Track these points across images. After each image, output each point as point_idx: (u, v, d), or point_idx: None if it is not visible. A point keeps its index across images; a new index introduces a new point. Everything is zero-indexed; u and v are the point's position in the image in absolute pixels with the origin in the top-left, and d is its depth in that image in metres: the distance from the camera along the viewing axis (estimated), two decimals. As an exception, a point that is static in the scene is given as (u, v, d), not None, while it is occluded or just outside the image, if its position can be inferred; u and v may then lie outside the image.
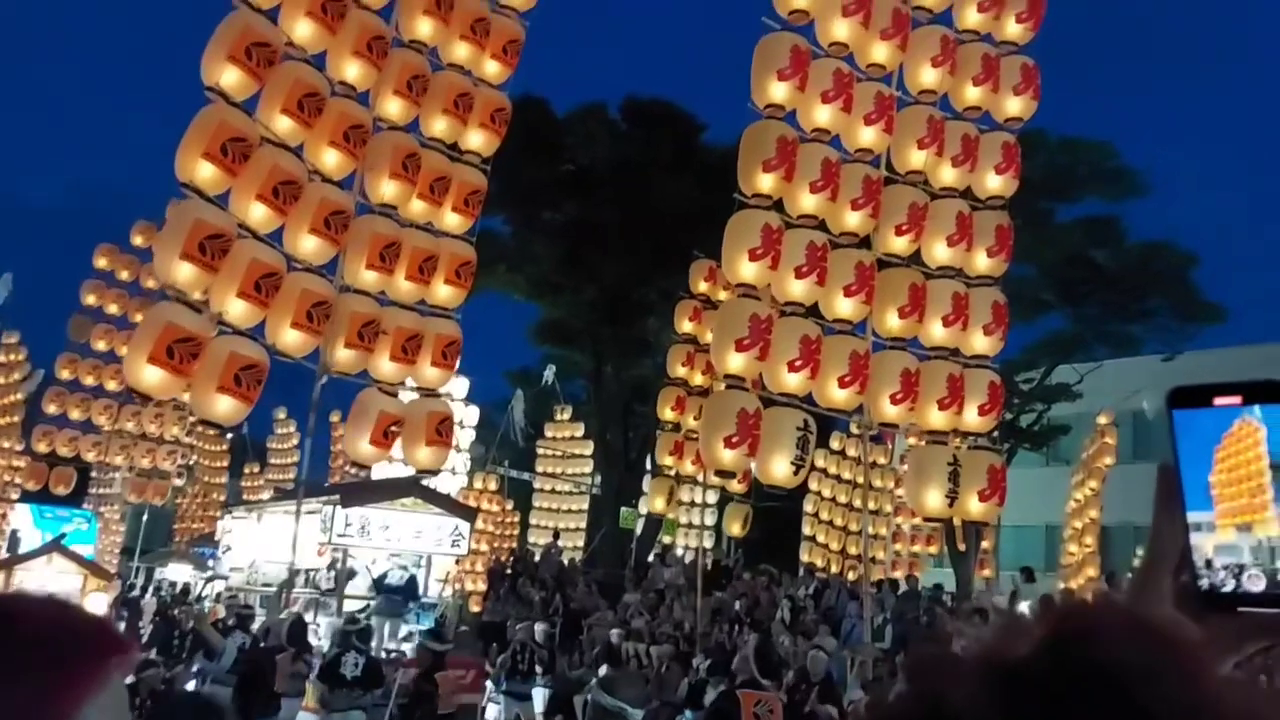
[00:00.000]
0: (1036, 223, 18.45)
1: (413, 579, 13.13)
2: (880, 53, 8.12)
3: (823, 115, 7.90)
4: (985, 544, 20.12)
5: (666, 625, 13.96)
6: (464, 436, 20.92)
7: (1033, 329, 20.30)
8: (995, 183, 8.68)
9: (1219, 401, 0.66)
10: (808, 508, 19.93)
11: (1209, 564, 0.68)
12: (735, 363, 7.35)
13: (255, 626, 8.80)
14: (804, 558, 19.78)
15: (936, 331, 8.01)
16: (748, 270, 7.48)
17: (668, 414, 13.48)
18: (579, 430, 23.28)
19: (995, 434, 19.20)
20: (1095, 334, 19.66)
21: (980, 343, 8.28)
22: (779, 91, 7.76)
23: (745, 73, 7.98)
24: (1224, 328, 19.71)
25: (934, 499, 7.76)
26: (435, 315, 8.06)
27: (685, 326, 13.57)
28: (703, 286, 13.45)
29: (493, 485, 19.16)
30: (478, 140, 7.50)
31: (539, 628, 10.83)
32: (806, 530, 19.89)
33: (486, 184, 7.44)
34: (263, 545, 14.76)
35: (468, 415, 21.04)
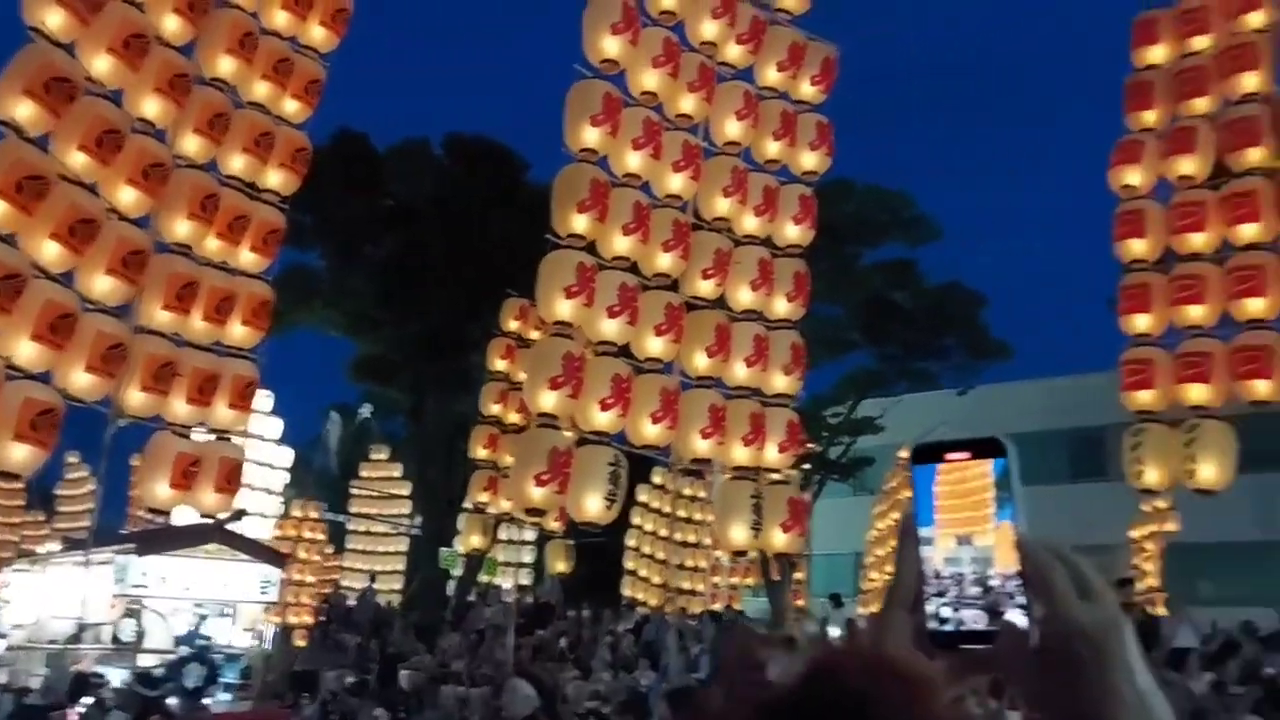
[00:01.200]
0: (843, 266, 19.51)
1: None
2: (688, 104, 8.48)
3: (634, 161, 8.17)
4: (799, 574, 20.86)
5: (486, 667, 13.79)
6: (276, 479, 20.10)
7: (841, 365, 21.37)
8: (793, 232, 9.22)
9: (950, 457, 0.77)
10: (630, 542, 20.12)
11: (938, 574, 0.77)
12: (548, 401, 7.45)
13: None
14: (626, 592, 19.93)
15: (740, 371, 8.41)
16: (562, 309, 7.63)
17: (481, 452, 13.42)
18: (396, 470, 22.78)
19: (807, 466, 20.16)
20: (897, 370, 20.85)
21: (780, 382, 8.75)
22: (592, 136, 7.98)
23: (560, 115, 8.17)
24: (1010, 364, 21.21)
25: (739, 532, 8.08)
26: (232, 356, 7.82)
27: (498, 364, 13.63)
28: (514, 325, 13.58)
29: (314, 514, 18.44)
30: (277, 179, 7.38)
31: (334, 675, 10.51)
32: (629, 565, 20.06)
33: (284, 223, 7.31)
34: (48, 599, 13.73)
35: (280, 457, 20.23)
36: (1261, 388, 8.32)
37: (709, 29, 8.65)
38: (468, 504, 14.07)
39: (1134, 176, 9.59)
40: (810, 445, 20.38)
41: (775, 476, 8.58)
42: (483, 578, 19.72)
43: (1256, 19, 9.25)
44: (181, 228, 7.16)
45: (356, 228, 20.35)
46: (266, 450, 19.91)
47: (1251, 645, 13.11)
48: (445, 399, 21.40)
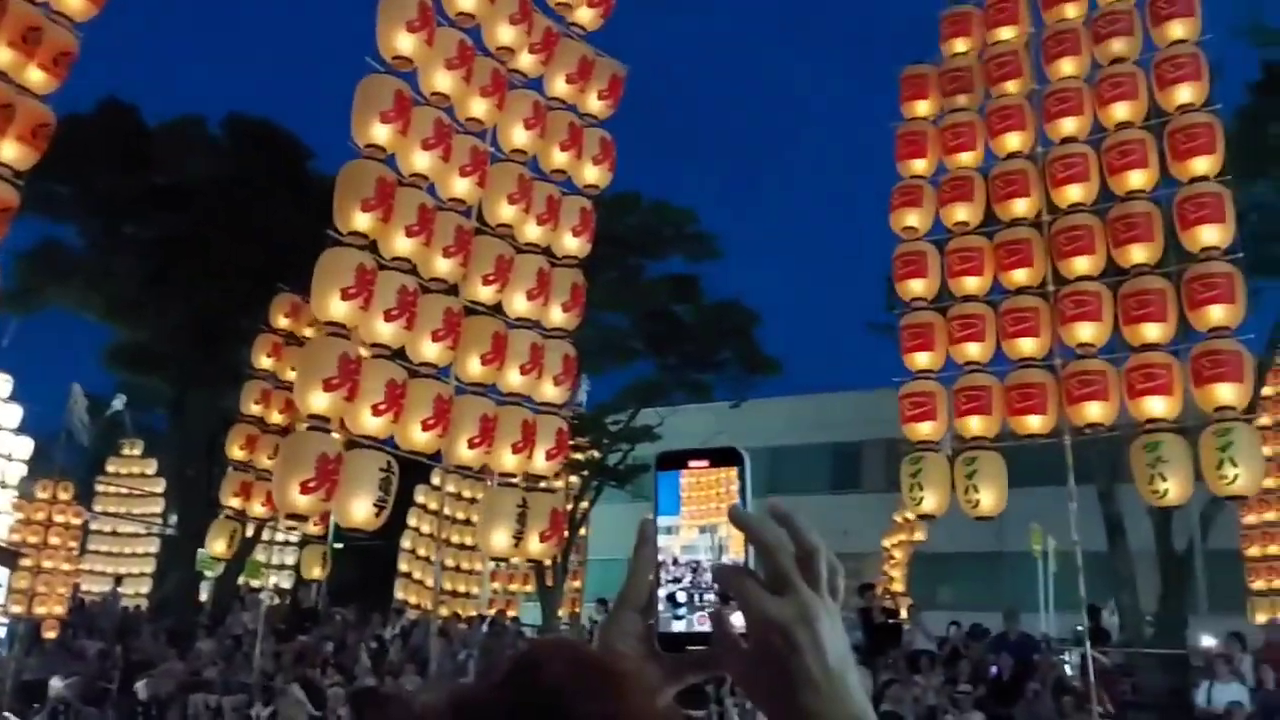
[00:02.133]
0: (628, 277, 19.96)
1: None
2: (479, 108, 8.46)
3: (422, 161, 8.06)
4: (576, 581, 21.20)
5: (243, 674, 13.19)
6: (13, 471, 18.45)
7: (624, 374, 21.81)
8: (572, 244, 9.37)
9: (693, 464, 0.83)
10: (405, 544, 19.79)
11: (675, 560, 0.82)
12: (320, 403, 7.23)
13: None
14: (399, 595, 19.57)
15: (513, 379, 8.45)
16: (339, 309, 7.41)
17: (238, 453, 12.84)
18: (150, 467, 21.41)
19: (585, 472, 20.44)
20: (675, 381, 21.52)
21: (550, 391, 8.88)
22: (381, 133, 7.81)
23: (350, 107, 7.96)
24: (780, 379, 22.28)
25: (500, 539, 8.14)
26: None
27: (264, 362, 13.07)
28: (284, 321, 13.00)
29: (65, 494, 16.91)
30: (12, 153, 6.75)
31: (64, 683, 9.79)
32: (403, 567, 19.72)
33: (18, 200, 6.73)
34: None
35: (17, 447, 18.59)
36: (1034, 422, 8.97)
37: (505, 34, 8.66)
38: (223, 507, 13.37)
39: (913, 219, 10.13)
40: (592, 452, 20.74)
41: (542, 485, 8.69)
42: (244, 580, 18.87)
43: (1015, 85, 10.03)
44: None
45: (120, 205, 19.00)
46: (4, 440, 18.31)
47: (979, 647, 14.39)
48: (212, 394, 20.28)
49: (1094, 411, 8.80)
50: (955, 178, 10.14)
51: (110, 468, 21.50)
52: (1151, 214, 9.14)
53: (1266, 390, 15.79)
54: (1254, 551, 17.02)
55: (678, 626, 0.82)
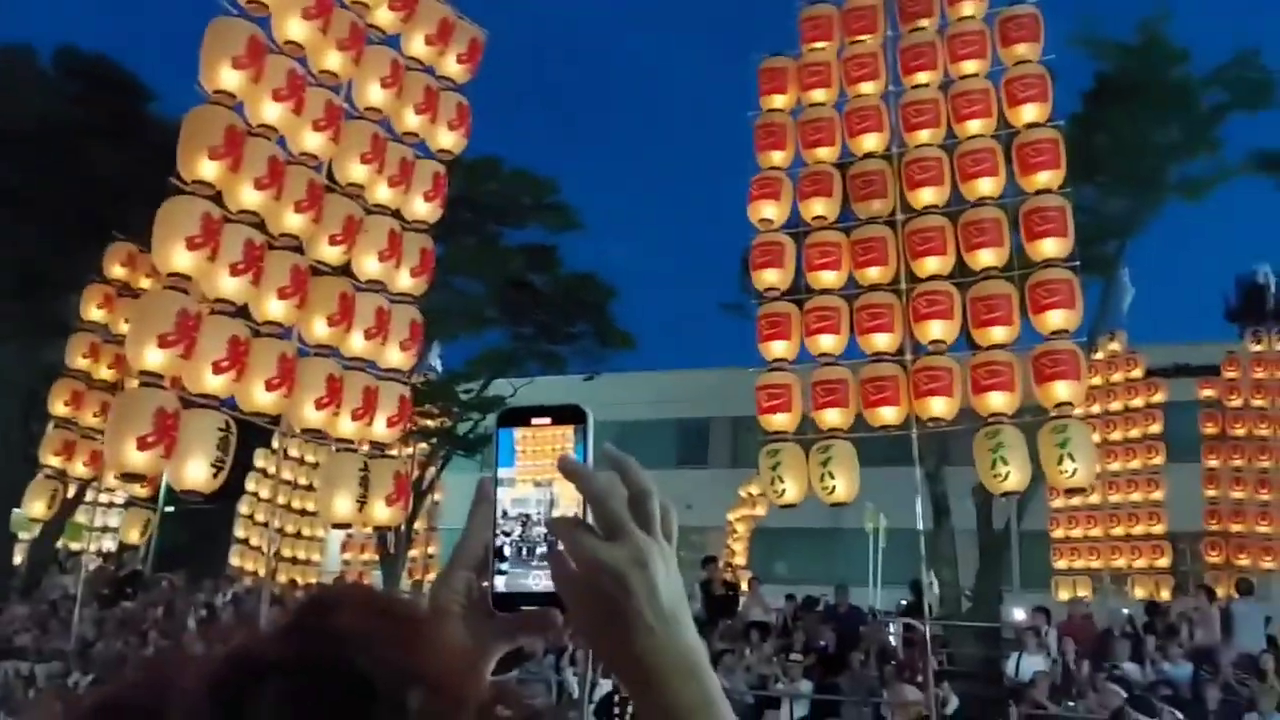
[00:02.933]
0: (487, 244, 19.77)
1: None
2: (334, 61, 8.24)
3: (273, 112, 7.80)
4: (431, 549, 21.03)
5: (59, 640, 12.58)
6: None
7: (478, 342, 21.64)
8: (423, 208, 9.25)
9: (535, 421, 0.84)
10: (243, 509, 19.21)
11: (505, 514, 0.83)
12: (155, 359, 6.95)
13: None
14: (234, 562, 19.00)
15: (358, 343, 8.31)
16: (181, 260, 7.12)
17: (61, 409, 12.17)
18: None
19: (434, 440, 20.20)
20: (530, 352, 21.45)
21: (395, 357, 8.77)
22: (231, 79, 7.53)
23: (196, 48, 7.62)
24: (633, 355, 22.56)
25: (343, 505, 8.04)
26: None
27: (94, 313, 12.44)
28: (119, 271, 12.33)
29: None
30: None
31: None
32: (240, 533, 19.14)
33: None
34: None
35: None
36: (887, 414, 9.31)
37: (361, -13, 8.44)
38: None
39: (770, 211, 10.33)
40: (443, 419, 20.52)
41: (383, 451, 8.60)
42: (65, 543, 17.90)
43: (872, 87, 10.38)
44: None
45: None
46: None
47: (811, 618, 15.03)
48: (32, 345, 19.02)
49: (939, 406, 9.27)
50: (813, 172, 10.38)
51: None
52: (1000, 220, 9.66)
53: (1096, 381, 17.05)
54: (1059, 533, 18.40)
55: (513, 584, 0.82)
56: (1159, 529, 17.63)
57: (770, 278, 10.18)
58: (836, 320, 9.82)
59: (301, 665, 0.62)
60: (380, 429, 8.29)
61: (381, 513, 8.17)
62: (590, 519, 0.80)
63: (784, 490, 9.58)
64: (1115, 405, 18.29)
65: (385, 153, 8.59)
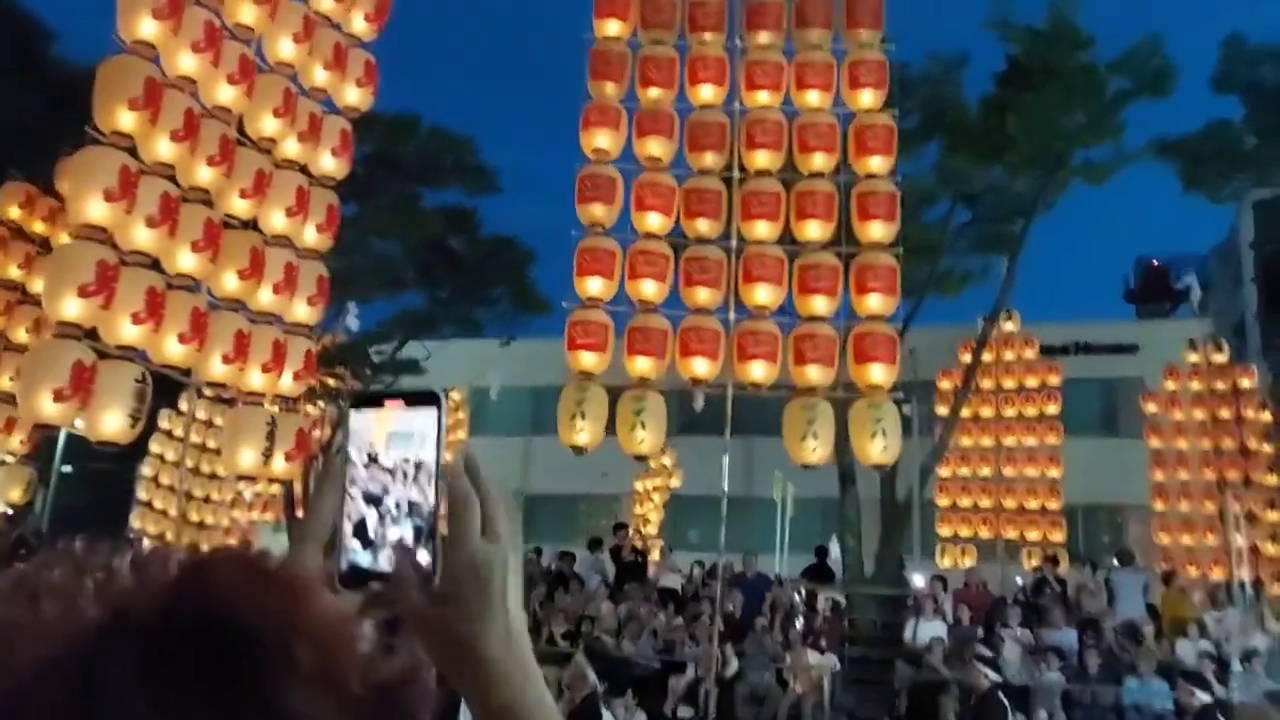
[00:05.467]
0: (404, 204, 19.97)
1: None
2: (248, 14, 8.50)
3: (189, 64, 7.98)
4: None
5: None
6: None
7: (394, 304, 21.84)
8: (330, 164, 9.53)
9: (389, 404, 0.86)
10: (146, 471, 19.15)
11: (357, 495, 0.85)
12: (73, 310, 7.10)
13: None
14: (136, 524, 18.93)
15: (266, 297, 8.61)
16: (98, 211, 7.26)
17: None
18: None
19: (343, 401, 20.37)
20: (446, 315, 21.78)
21: (302, 311, 9.11)
22: (150, 29, 7.65)
23: None
24: (548, 319, 23.01)
25: (248, 458, 8.33)
26: None
27: None
28: (15, 214, 11.98)
29: None
30: None
31: None
32: (143, 495, 19.07)
33: None
34: None
35: None
36: (701, 367, 9.54)
37: (274, -59, 8.67)
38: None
39: (604, 141, 10.26)
40: (354, 382, 20.69)
41: (290, 405, 8.95)
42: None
43: (713, 37, 10.58)
44: None
45: None
46: None
47: (720, 586, 15.71)
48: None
49: (758, 371, 9.61)
50: (651, 111, 10.42)
51: None
52: (832, 195, 10.10)
53: (986, 357, 17.96)
54: (945, 501, 19.38)
55: (360, 562, 0.83)
56: (1055, 505, 18.71)
57: (597, 212, 10.06)
58: (663, 268, 9.89)
59: (182, 623, 0.61)
60: (287, 383, 8.68)
61: (282, 466, 8.51)
62: (450, 516, 0.83)
63: (581, 432, 9.52)
64: (1010, 383, 19.23)
65: (296, 108, 8.88)
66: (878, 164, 10.18)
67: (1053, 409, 18.89)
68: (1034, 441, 18.89)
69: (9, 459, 11.48)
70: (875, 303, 9.80)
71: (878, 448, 9.46)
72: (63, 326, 7.15)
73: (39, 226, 12.09)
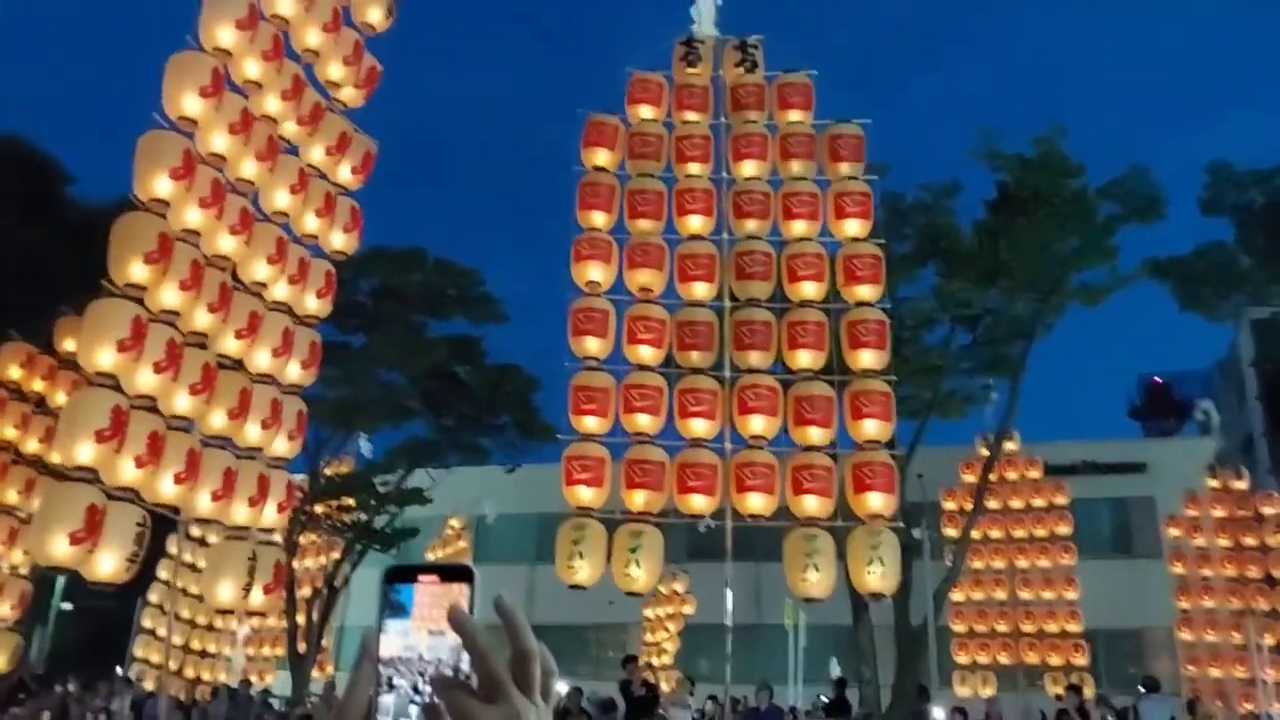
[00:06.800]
0: (411, 335, 20.68)
1: None
2: (250, 170, 9.27)
3: (196, 218, 8.61)
4: (325, 643, 21.29)
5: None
6: None
7: (398, 433, 22.37)
8: (314, 304, 10.19)
9: (423, 578, 0.91)
10: (153, 598, 19.37)
11: (390, 667, 0.88)
12: (86, 454, 7.52)
13: None
14: (139, 653, 18.97)
15: (253, 433, 9.14)
16: (110, 360, 7.78)
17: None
18: None
19: (349, 534, 20.70)
20: (451, 443, 22.26)
21: (283, 446, 9.61)
22: (165, 188, 8.30)
23: (121, 139, 8.41)
24: (554, 445, 23.38)
25: (226, 591, 8.66)
26: None
27: None
28: (15, 374, 12.15)
29: None
30: None
31: None
32: (148, 623, 19.21)
33: None
34: None
35: None
36: (700, 502, 9.69)
37: (275, 105, 9.53)
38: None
39: (597, 273, 10.60)
40: (359, 514, 21.07)
41: (267, 538, 9.37)
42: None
43: (698, 168, 11.08)
44: None
45: None
46: None
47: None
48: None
49: (757, 502, 9.71)
50: (641, 243, 10.71)
51: None
52: (823, 324, 10.39)
53: (993, 478, 18.22)
54: (960, 627, 19.26)
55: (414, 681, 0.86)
56: (1075, 628, 18.70)
57: (590, 345, 10.25)
58: (657, 400, 9.98)
59: None
60: (270, 516, 9.19)
61: (259, 599, 8.92)
62: (473, 674, 0.85)
63: (579, 570, 9.53)
64: (1016, 503, 19.43)
65: (287, 254, 9.63)
66: (867, 292, 10.46)
67: (1064, 529, 19.06)
68: (1047, 563, 18.99)
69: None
70: (871, 429, 9.94)
71: (875, 576, 9.50)
72: (79, 470, 7.55)
73: (38, 385, 12.25)
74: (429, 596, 0.90)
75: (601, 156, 11.21)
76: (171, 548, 18.53)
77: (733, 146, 11.22)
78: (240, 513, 8.82)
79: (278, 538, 9.79)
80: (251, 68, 9.12)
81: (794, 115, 11.47)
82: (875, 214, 11.05)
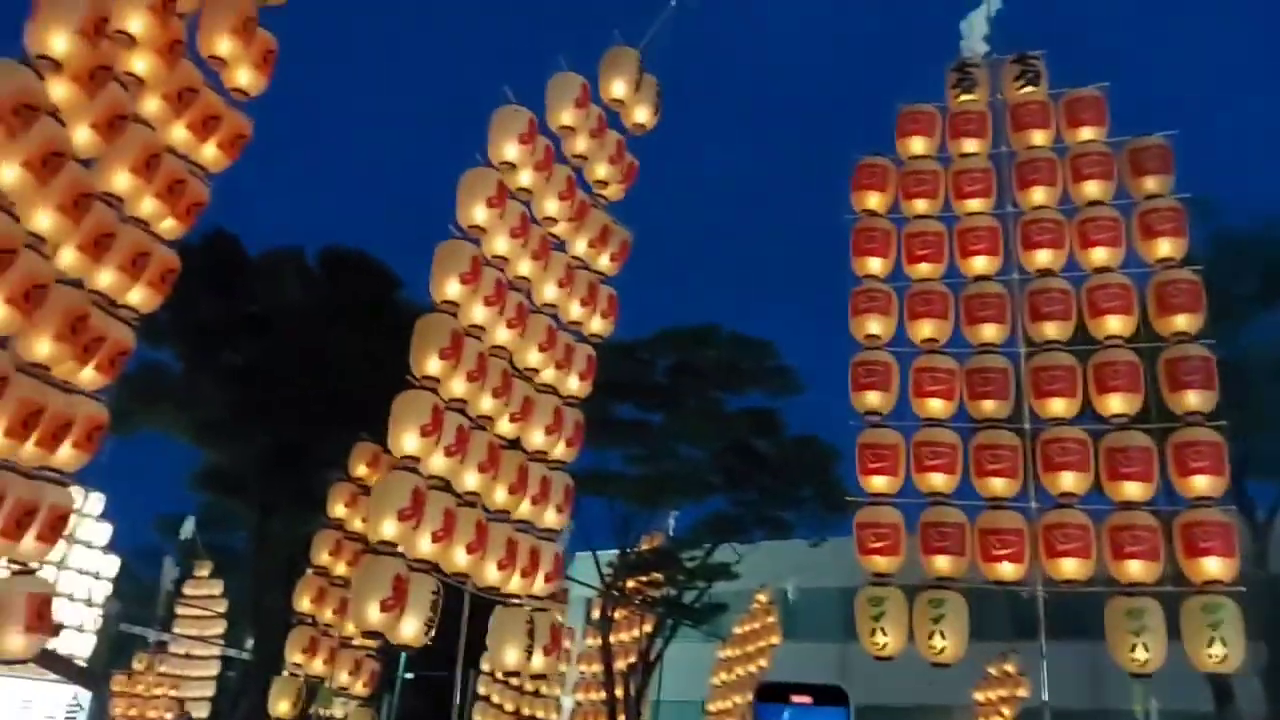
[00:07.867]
0: (708, 411, 21.55)
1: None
2: (525, 268, 10.37)
3: (480, 314, 9.71)
4: (642, 716, 22.17)
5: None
6: (99, 589, 20.62)
7: (700, 509, 23.18)
8: (576, 385, 11.01)
9: (795, 698, 1.76)
10: (485, 666, 20.80)
11: None
12: (390, 530, 8.55)
13: None
14: (477, 718, 20.44)
15: (526, 507, 10.06)
16: (413, 444, 8.87)
17: (324, 558, 13.41)
18: (218, 588, 23.72)
19: (660, 609, 21.58)
20: (754, 517, 22.75)
21: (551, 518, 10.43)
22: (454, 290, 9.43)
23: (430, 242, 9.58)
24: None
25: (511, 655, 9.51)
26: (49, 481, 6.94)
27: (339, 511, 13.53)
28: (363, 471, 13.43)
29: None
30: (139, 297, 7.65)
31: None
32: (482, 690, 20.58)
33: (134, 343, 7.45)
34: None
35: (106, 565, 20.78)
36: (1007, 570, 9.35)
37: (552, 207, 10.52)
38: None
39: (876, 327, 10.54)
40: (668, 589, 21.97)
41: (542, 604, 10.08)
42: (319, 709, 20.22)
43: (979, 204, 10.78)
44: (44, 348, 6.70)
45: (216, 332, 21.27)
46: (90, 557, 20.49)
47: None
48: (293, 516, 21.98)
49: (1070, 567, 9.21)
50: (922, 290, 10.55)
51: (187, 590, 23.77)
52: (1135, 365, 9.66)
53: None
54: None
55: None
56: None
57: (872, 400, 10.18)
58: (951, 458, 9.74)
59: None
60: (539, 584, 10.10)
61: (539, 661, 9.82)
62: None
63: (882, 643, 9.43)
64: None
65: (556, 341, 10.73)
66: (1185, 322, 9.70)
67: None
68: None
69: (353, 703, 13.13)
70: (1202, 484, 9.22)
71: (1216, 655, 8.79)
72: (383, 544, 8.70)
73: (373, 479, 12.89)
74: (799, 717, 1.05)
75: (873, 200, 11.13)
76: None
77: (1017, 173, 10.79)
78: (514, 581, 9.77)
79: (550, 604, 10.73)
80: (528, 177, 10.20)
81: (1085, 133, 10.85)
82: (1188, 235, 10.16)
